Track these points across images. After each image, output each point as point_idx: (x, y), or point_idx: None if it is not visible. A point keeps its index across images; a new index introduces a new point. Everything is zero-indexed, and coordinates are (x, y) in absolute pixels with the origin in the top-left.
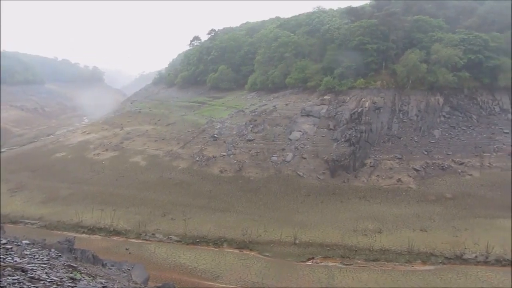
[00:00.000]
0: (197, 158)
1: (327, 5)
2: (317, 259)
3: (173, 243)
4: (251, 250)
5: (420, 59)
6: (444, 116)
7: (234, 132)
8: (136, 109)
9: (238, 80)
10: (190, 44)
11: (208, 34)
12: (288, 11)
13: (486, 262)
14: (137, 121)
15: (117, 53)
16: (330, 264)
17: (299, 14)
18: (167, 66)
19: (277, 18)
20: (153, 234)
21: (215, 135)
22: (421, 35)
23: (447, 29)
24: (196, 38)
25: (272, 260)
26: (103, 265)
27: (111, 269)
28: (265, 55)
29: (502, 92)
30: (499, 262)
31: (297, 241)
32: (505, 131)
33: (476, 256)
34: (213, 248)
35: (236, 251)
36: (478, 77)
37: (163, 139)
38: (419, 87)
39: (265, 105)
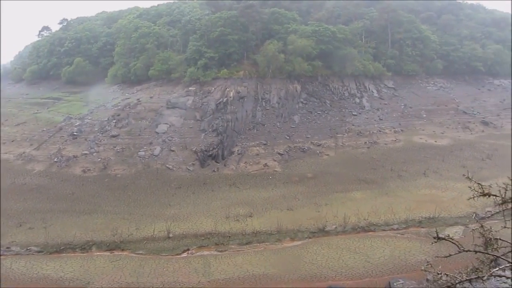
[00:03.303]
0: (55, 159)
1: None
2: (192, 249)
3: (33, 254)
4: (123, 250)
5: (278, 49)
6: (302, 102)
7: (96, 129)
8: None
9: (97, 73)
10: (39, 35)
11: (60, 23)
12: (147, 1)
13: (344, 232)
14: None
15: None
16: (205, 253)
17: (159, 5)
18: (12, 59)
19: (136, 8)
20: (7, 247)
21: (75, 133)
22: (278, 27)
23: (300, 22)
24: (46, 28)
25: (146, 257)
26: None
27: None
28: (125, 47)
29: (349, 78)
30: (355, 229)
31: (171, 235)
32: (354, 113)
33: (336, 227)
34: (81, 254)
35: (107, 253)
36: (329, 65)
37: (12, 141)
38: (278, 75)
39: (129, 98)
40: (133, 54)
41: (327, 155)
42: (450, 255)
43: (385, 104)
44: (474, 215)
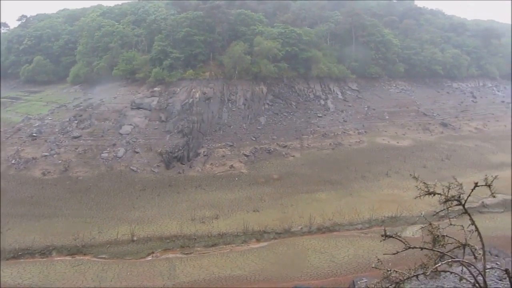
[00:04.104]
0: (12, 161)
1: None
2: (157, 252)
3: None
4: (85, 254)
5: (244, 51)
6: (268, 104)
7: (57, 130)
8: None
9: (58, 72)
10: None
11: (19, 20)
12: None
13: (310, 232)
14: None
15: None
16: (170, 256)
17: (123, 3)
18: None
19: (99, 6)
20: None
21: (34, 134)
22: (244, 28)
23: (266, 23)
24: (3, 24)
25: (109, 261)
26: None
27: None
28: (88, 45)
29: (315, 80)
30: (320, 230)
31: (135, 238)
32: (319, 115)
33: (301, 228)
34: (40, 259)
35: (68, 258)
36: (295, 67)
37: None
38: (244, 77)
39: (91, 98)
40: (96, 53)
41: (293, 156)
42: (398, 252)
43: (349, 106)
44: (422, 214)
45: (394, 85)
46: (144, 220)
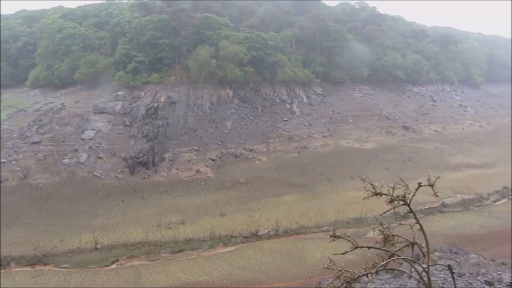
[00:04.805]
0: None
1: None
2: (122, 260)
3: None
4: (45, 264)
5: (210, 55)
6: (234, 108)
7: (15, 135)
8: None
9: (17, 75)
10: None
11: None
12: (72, 1)
13: (277, 235)
14: None
15: None
16: (136, 263)
17: (85, 5)
18: None
19: (60, 8)
20: None
21: None
22: (210, 32)
23: (232, 28)
24: None
25: (71, 270)
26: None
27: None
28: (48, 48)
29: (280, 85)
30: (287, 233)
31: (98, 246)
32: (285, 119)
33: (268, 231)
34: None
35: (28, 268)
36: (261, 71)
37: None
38: (210, 81)
39: (52, 103)
40: (57, 56)
41: (259, 160)
42: (346, 252)
43: (315, 110)
44: (373, 215)
45: (358, 89)
46: (108, 227)
